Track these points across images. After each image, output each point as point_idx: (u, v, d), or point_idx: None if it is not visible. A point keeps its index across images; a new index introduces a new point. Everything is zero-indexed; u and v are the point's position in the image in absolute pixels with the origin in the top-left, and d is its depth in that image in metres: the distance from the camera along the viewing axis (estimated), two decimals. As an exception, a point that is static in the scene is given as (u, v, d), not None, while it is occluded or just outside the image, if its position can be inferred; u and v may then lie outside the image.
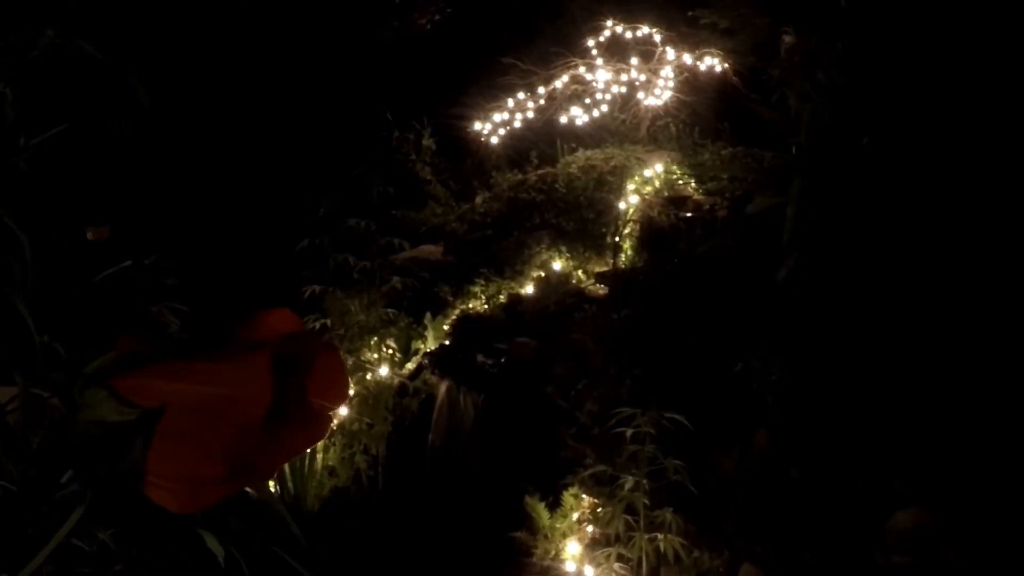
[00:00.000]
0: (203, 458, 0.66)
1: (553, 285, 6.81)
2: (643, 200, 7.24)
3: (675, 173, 7.54)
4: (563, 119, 8.07)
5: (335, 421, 5.43)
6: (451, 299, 6.97)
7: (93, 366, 0.69)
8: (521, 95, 8.22)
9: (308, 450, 5.00)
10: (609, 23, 7.99)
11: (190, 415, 0.66)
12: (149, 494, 0.67)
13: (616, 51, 7.98)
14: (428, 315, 6.65)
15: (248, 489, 0.73)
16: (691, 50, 7.64)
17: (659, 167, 7.51)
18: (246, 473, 0.68)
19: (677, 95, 7.84)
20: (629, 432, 4.31)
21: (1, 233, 1.20)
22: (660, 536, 4.24)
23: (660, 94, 7.85)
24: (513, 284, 7.04)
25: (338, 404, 0.77)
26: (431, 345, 6.58)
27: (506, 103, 8.27)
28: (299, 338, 0.74)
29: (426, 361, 6.34)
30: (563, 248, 7.23)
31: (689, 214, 6.95)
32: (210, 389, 0.66)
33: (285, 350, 0.70)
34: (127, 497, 0.67)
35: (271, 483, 4.95)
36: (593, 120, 8.17)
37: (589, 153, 8.13)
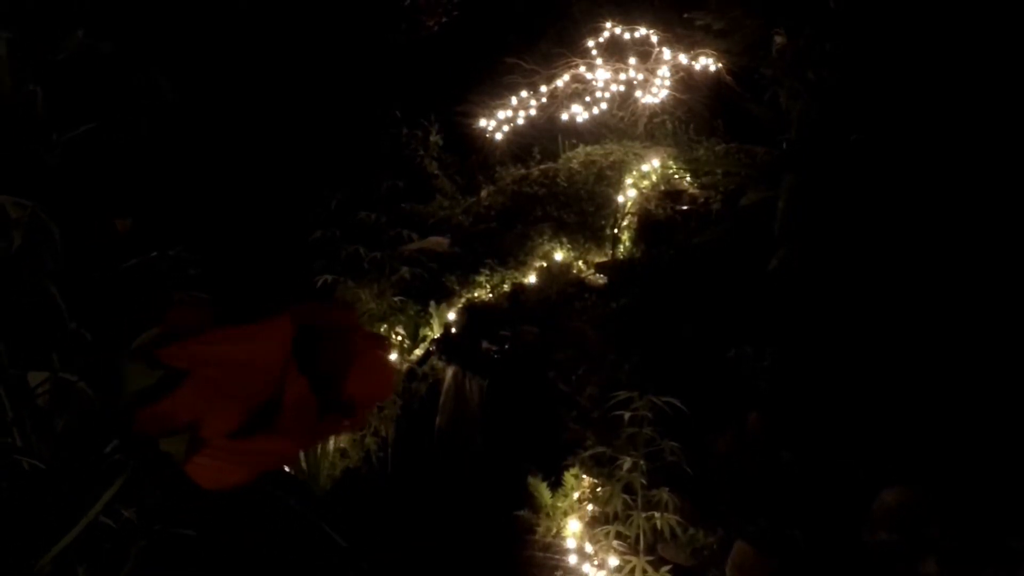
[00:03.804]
0: (222, 412, 0.67)
1: (555, 275, 6.81)
2: (641, 194, 7.24)
3: (671, 168, 7.54)
4: (564, 116, 8.08)
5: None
6: (457, 288, 6.97)
7: (140, 340, 0.70)
8: (524, 93, 8.23)
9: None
10: (608, 25, 8.00)
11: (216, 373, 0.67)
12: (184, 466, 0.67)
13: (615, 51, 7.98)
14: (433, 303, 6.65)
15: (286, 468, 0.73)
16: (686, 50, 7.64)
17: (656, 162, 7.51)
18: (269, 453, 0.68)
19: (673, 93, 7.84)
20: (627, 415, 4.31)
21: (34, 225, 1.20)
22: (657, 514, 4.24)
23: (657, 92, 7.86)
24: (516, 274, 7.03)
25: (380, 399, 0.76)
26: (438, 332, 6.58)
27: (510, 101, 8.28)
28: (339, 323, 0.74)
29: (434, 347, 6.34)
30: (564, 240, 7.23)
31: (685, 207, 6.95)
32: (232, 348, 0.67)
33: (311, 320, 0.70)
34: (168, 467, 0.68)
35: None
36: (593, 117, 8.17)
37: (589, 149, 8.14)
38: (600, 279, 6.72)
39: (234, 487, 0.69)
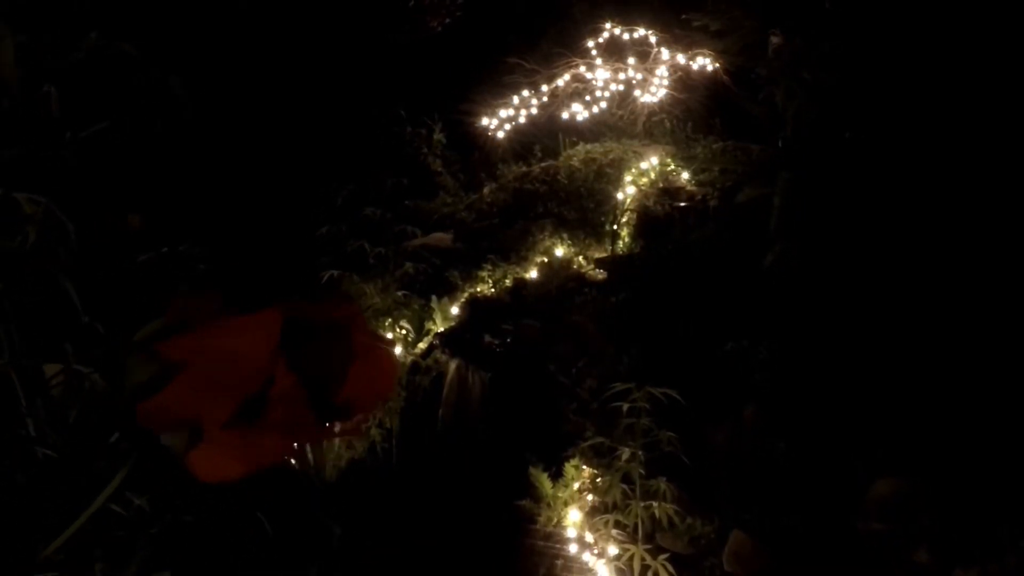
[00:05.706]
0: (215, 403, 0.66)
1: (555, 270, 6.82)
2: (639, 191, 7.25)
3: (669, 165, 7.54)
4: (565, 115, 8.07)
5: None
6: (460, 283, 6.97)
7: (142, 333, 0.70)
8: (525, 93, 8.23)
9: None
10: (608, 25, 7.98)
11: (208, 364, 0.67)
12: (184, 460, 0.67)
13: (614, 51, 7.97)
14: (436, 298, 6.65)
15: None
16: (684, 51, 7.63)
17: (654, 160, 7.52)
18: (263, 447, 0.68)
19: (671, 93, 7.83)
20: (626, 407, 4.31)
21: (49, 220, 1.21)
22: (655, 504, 4.25)
23: (655, 92, 7.85)
24: (518, 269, 7.04)
25: (380, 400, 0.75)
26: (441, 326, 6.58)
27: (511, 100, 8.28)
28: (340, 319, 0.73)
29: (437, 341, 6.34)
30: (565, 236, 7.23)
31: (682, 204, 6.95)
32: (222, 339, 0.67)
33: (307, 314, 0.70)
34: (170, 461, 0.68)
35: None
36: (593, 116, 8.17)
37: (589, 147, 8.15)
38: (600, 274, 6.73)
39: (231, 480, 0.69)
